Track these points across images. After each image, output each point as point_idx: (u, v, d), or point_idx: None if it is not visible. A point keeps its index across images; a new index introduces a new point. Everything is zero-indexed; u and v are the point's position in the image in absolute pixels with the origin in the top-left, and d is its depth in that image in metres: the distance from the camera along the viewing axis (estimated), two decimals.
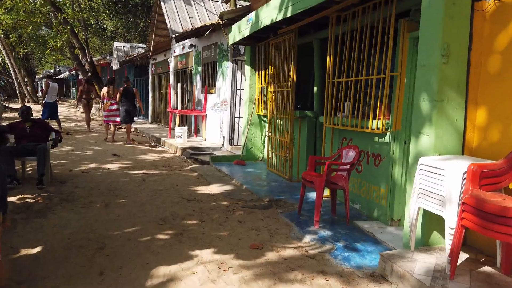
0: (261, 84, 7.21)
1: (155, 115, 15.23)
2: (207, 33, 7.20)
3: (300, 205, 4.32)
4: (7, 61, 23.08)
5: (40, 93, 46.01)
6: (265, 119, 7.50)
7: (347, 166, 4.05)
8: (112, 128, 9.86)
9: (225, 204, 4.66)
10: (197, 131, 10.49)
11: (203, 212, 4.28)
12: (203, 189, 5.41)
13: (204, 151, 8.65)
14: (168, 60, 12.70)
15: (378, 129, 4.03)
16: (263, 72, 7.02)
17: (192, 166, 7.25)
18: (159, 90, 14.66)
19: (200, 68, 10.15)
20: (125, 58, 16.74)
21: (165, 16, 10.27)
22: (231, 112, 8.52)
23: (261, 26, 5.44)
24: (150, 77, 15.49)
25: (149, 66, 15.49)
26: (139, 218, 4.02)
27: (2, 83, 35.75)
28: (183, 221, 3.95)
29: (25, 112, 5.52)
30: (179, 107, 9.74)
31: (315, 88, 5.91)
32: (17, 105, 21.96)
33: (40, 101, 8.73)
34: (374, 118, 4.11)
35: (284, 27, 5.79)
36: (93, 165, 6.82)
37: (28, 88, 27.77)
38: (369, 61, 4.18)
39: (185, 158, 8.14)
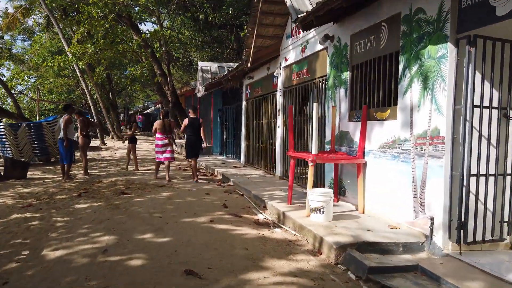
0: None
1: (250, 155, 10.88)
2: None
3: None
4: (88, 96, 21.29)
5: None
6: None
7: None
8: (166, 164, 8.52)
9: None
10: (339, 192, 5.67)
11: None
12: None
13: (388, 251, 3.74)
14: (275, 73, 8.31)
15: None
16: None
17: None
18: (256, 120, 10.33)
19: (346, 75, 5.47)
20: (212, 80, 12.98)
21: None
22: (455, 162, 3.56)
23: None
24: (243, 103, 11.30)
25: (243, 88, 11.37)
26: None
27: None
28: None
29: None
30: (314, 149, 4.97)
31: None
32: (96, 143, 19.71)
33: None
34: None
35: None
36: None
37: (113, 123, 25.96)
38: None
39: (356, 278, 3.31)
